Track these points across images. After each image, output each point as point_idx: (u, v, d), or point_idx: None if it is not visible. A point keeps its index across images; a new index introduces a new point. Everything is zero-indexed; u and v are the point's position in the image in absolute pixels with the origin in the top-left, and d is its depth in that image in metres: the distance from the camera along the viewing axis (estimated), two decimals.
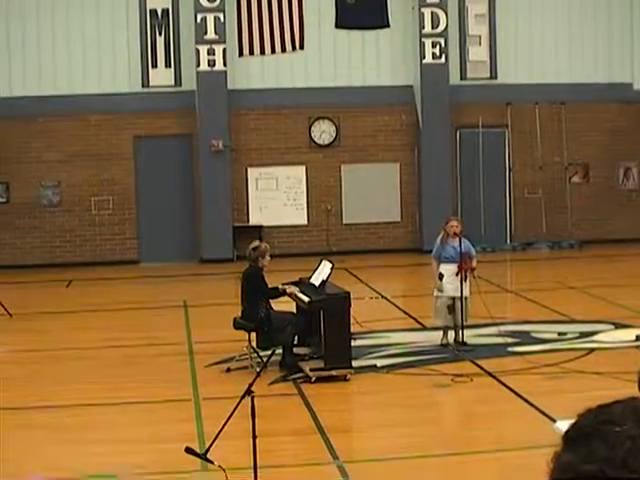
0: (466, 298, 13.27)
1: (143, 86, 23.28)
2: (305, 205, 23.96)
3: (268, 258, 12.70)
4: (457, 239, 13.25)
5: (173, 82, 23.39)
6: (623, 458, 1.48)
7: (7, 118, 22.76)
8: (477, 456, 8.94)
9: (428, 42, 23.49)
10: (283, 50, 23.57)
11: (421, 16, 23.41)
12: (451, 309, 13.27)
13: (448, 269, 13.24)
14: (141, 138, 23.34)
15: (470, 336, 13.46)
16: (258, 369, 10.12)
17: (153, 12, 23.20)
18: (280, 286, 12.77)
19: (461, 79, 24.12)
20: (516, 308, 17.20)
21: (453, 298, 13.23)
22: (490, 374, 11.86)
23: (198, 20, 22.81)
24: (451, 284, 13.21)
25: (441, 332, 13.48)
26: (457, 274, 13.13)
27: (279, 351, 12.17)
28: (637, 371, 5.89)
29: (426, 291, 14.91)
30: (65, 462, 8.98)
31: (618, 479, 1.47)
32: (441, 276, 13.29)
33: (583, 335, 13.97)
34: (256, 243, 13.03)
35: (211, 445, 8.12)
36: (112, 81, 23.17)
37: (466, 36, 24.06)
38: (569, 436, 1.57)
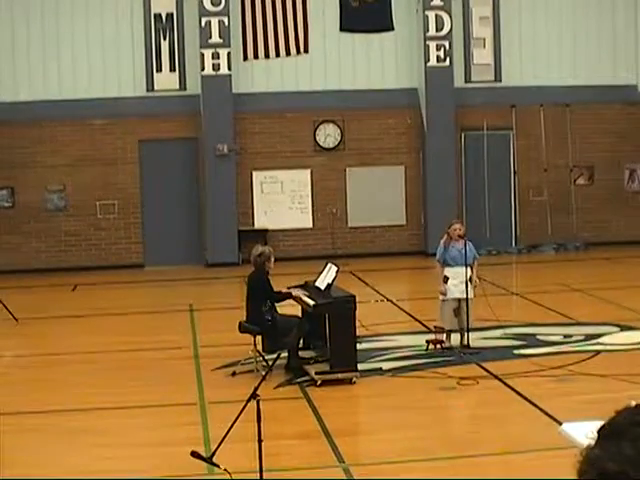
0: (471, 300, 13.28)
1: (148, 90, 23.30)
2: (310, 208, 23.96)
3: (273, 260, 12.74)
4: (461, 241, 13.30)
5: (178, 86, 23.41)
6: None
7: (12, 123, 22.79)
8: (483, 459, 8.92)
9: (432, 45, 23.49)
10: (288, 54, 23.58)
11: (425, 19, 23.41)
12: (456, 312, 13.28)
13: (453, 272, 13.25)
14: (146, 142, 23.36)
15: (476, 339, 13.46)
16: (263, 373, 10.11)
17: (157, 16, 23.24)
18: (285, 289, 12.79)
19: (466, 82, 24.11)
20: (521, 311, 17.19)
21: (459, 300, 13.25)
22: (496, 377, 11.85)
23: (202, 24, 22.83)
24: (456, 286, 13.22)
25: (444, 335, 13.46)
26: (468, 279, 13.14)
27: (284, 354, 12.15)
28: None
29: (431, 294, 14.90)
30: (72, 466, 8.98)
31: None
32: (446, 279, 13.31)
33: (589, 337, 13.96)
34: (260, 249, 12.95)
35: (217, 449, 8.12)
36: (117, 85, 23.20)
37: (470, 39, 24.07)
38: (602, 432, 1.57)
